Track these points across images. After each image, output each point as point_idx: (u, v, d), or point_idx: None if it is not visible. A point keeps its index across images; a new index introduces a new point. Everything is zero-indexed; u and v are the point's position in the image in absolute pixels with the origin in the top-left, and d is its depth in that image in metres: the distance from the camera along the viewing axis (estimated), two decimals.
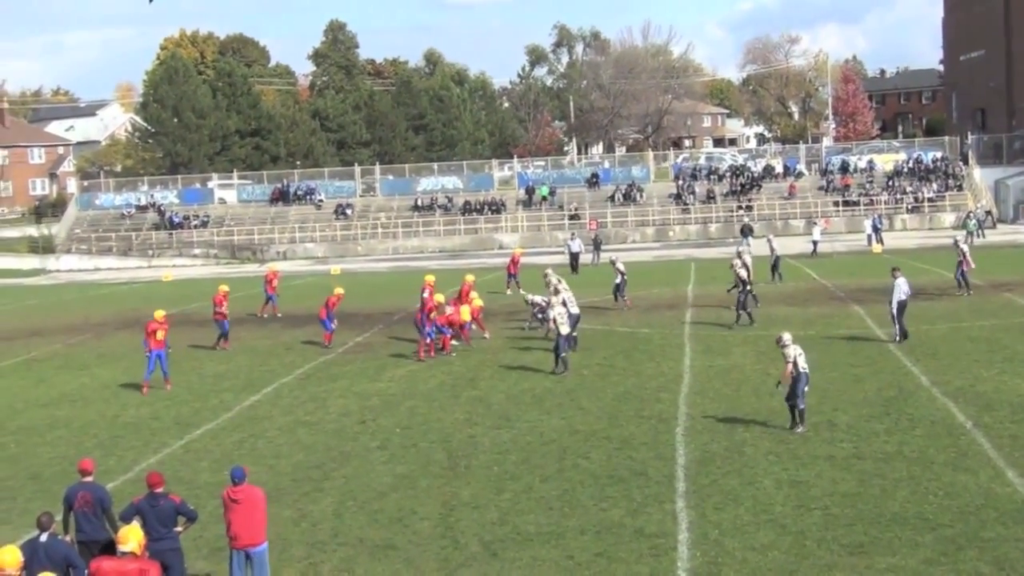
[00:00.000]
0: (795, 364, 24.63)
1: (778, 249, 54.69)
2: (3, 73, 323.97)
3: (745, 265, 42.16)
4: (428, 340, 36.78)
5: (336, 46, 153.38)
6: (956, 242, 47.92)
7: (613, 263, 47.18)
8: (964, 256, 46.24)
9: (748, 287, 41.56)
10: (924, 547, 17.55)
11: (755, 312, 41.37)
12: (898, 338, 35.35)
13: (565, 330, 32.91)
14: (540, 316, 40.02)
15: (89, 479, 17.29)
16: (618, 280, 46.14)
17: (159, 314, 34.50)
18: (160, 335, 33.92)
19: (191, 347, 41.90)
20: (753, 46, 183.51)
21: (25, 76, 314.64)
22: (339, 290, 40.85)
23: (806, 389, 24.97)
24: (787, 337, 25.32)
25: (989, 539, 17.77)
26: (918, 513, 19.06)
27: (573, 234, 71.59)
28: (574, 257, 64.97)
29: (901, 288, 35.46)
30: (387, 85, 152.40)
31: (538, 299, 40.23)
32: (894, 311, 35.59)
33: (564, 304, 34.62)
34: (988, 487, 20.30)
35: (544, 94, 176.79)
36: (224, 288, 41.71)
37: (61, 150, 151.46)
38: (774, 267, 53.57)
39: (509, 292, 53.40)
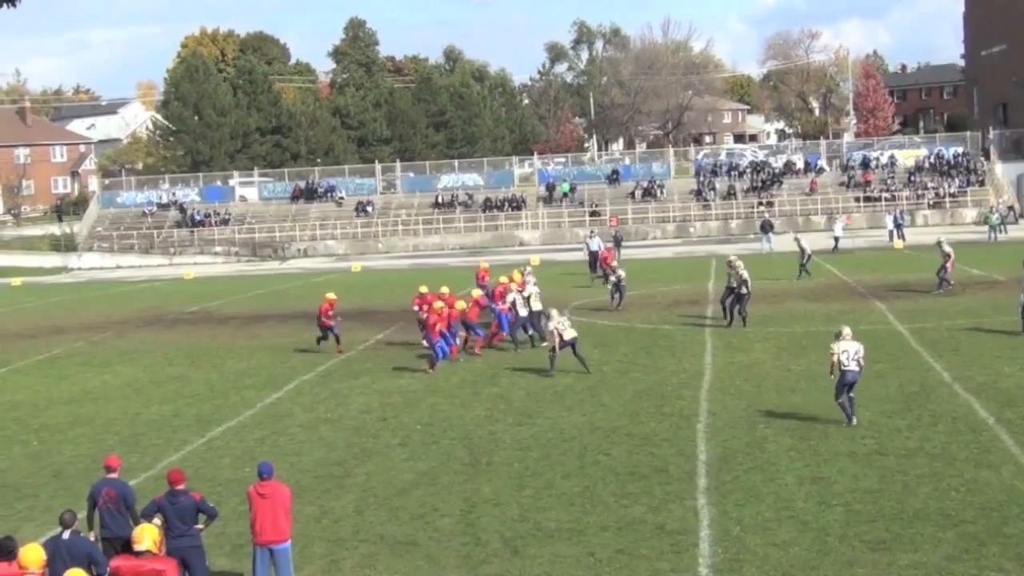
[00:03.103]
0: (839, 360, 24.36)
1: (808, 248, 54.18)
2: (26, 71, 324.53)
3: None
4: (479, 336, 36.72)
5: (356, 43, 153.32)
6: (940, 243, 47.50)
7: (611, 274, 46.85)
8: (949, 258, 45.97)
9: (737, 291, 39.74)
10: (946, 543, 17.49)
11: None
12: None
13: (570, 335, 32.35)
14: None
15: (114, 476, 17.34)
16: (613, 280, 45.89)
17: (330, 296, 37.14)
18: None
19: (209, 344, 41.96)
20: (774, 42, 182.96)
21: (48, 74, 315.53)
22: (330, 295, 39.14)
23: (846, 390, 24.55)
24: (846, 331, 24.94)
25: (1012, 535, 17.70)
26: (940, 509, 18.99)
27: (592, 232, 70.64)
28: (593, 256, 63.87)
29: None
30: (407, 82, 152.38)
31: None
32: None
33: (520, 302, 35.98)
34: (1011, 483, 20.22)
35: (564, 91, 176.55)
36: (331, 296, 38.73)
37: (83, 148, 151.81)
38: (803, 265, 53.29)
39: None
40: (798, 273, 52.76)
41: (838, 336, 24.78)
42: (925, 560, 16.87)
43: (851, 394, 24.65)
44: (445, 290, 37.79)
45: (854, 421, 24.53)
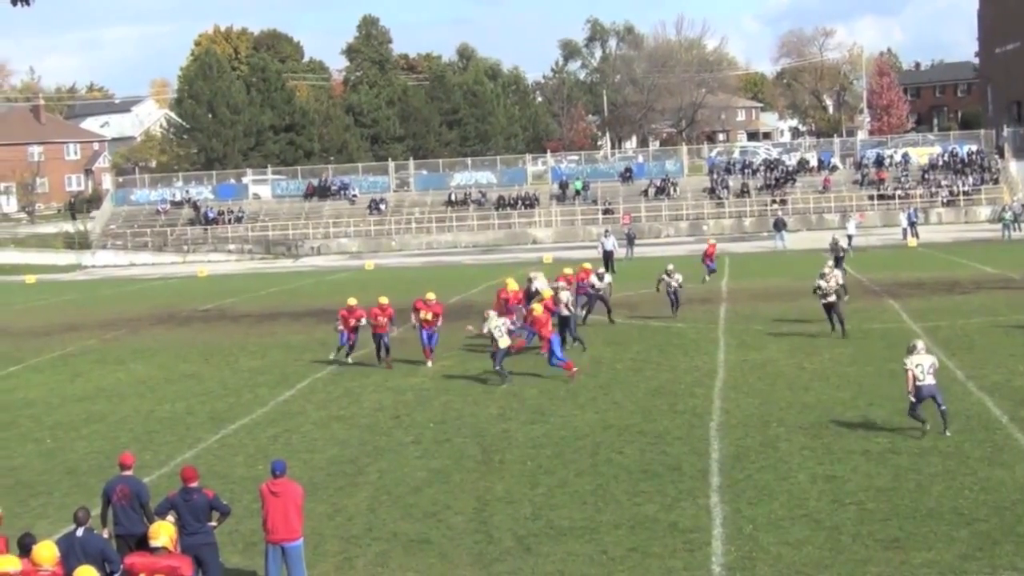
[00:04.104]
0: (913, 374, 23.52)
1: (841, 240, 52.72)
2: (40, 69, 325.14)
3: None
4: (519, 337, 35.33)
5: (369, 41, 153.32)
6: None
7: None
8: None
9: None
10: (960, 542, 17.46)
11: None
12: None
13: (505, 343, 31.28)
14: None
15: (128, 473, 17.37)
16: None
17: (383, 300, 35.44)
18: (382, 320, 34.93)
19: (222, 343, 42.02)
20: (787, 39, 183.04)
21: (62, 72, 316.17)
22: (352, 301, 36.29)
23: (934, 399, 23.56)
24: (919, 345, 24.02)
25: None
26: (954, 508, 18.95)
27: (607, 231, 70.54)
28: (608, 255, 63.67)
29: None
30: (420, 80, 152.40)
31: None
32: None
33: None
34: None
35: (577, 88, 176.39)
36: (383, 300, 35.56)
37: (96, 146, 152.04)
38: (839, 261, 51.28)
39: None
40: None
41: (911, 351, 23.82)
42: (939, 559, 16.84)
43: (942, 407, 23.52)
44: (432, 296, 35.66)
45: (947, 433, 23.43)
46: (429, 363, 34.92)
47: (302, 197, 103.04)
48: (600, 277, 41.72)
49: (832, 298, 35.46)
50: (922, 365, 23.42)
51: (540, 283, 37.87)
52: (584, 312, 40.75)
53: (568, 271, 40.99)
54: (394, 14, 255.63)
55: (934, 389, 23.44)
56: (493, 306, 36.13)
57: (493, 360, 31.63)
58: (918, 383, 23.29)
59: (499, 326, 31.43)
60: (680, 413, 26.85)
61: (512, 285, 38.28)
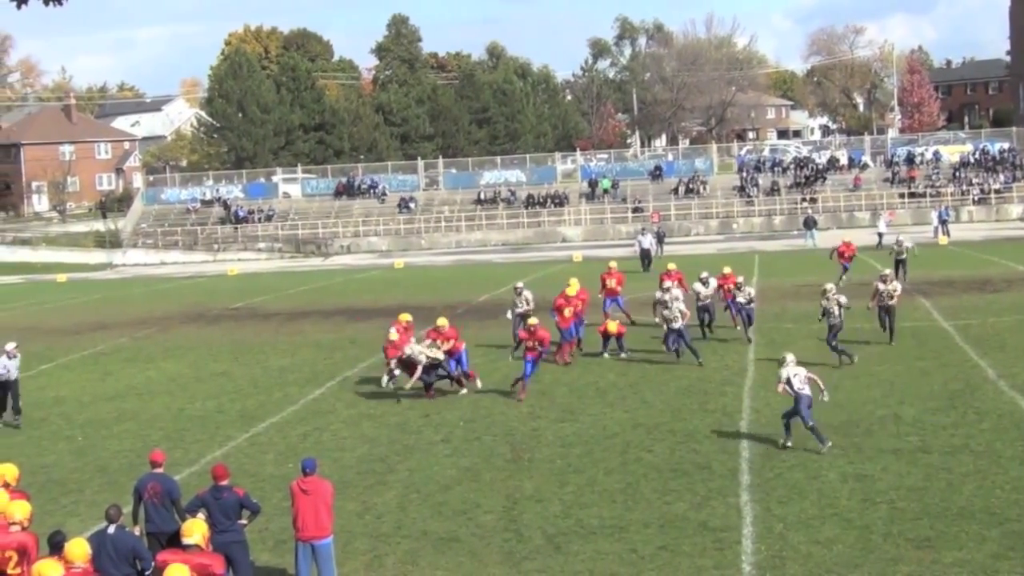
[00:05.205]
0: (789, 384, 23.41)
1: (905, 241, 50.46)
2: (72, 68, 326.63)
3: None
4: (572, 340, 34.74)
5: (399, 40, 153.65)
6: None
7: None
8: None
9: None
10: (991, 541, 17.39)
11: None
12: None
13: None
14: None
15: (159, 470, 17.44)
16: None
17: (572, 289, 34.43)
18: (568, 312, 34.08)
19: (253, 341, 42.11)
20: (818, 37, 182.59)
21: (93, 71, 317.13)
22: (442, 321, 31.99)
23: (808, 410, 23.25)
24: (789, 357, 23.90)
25: None
26: (985, 507, 18.88)
27: (643, 229, 69.95)
28: (645, 253, 63.25)
29: None
30: (450, 79, 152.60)
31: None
32: None
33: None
34: None
35: (607, 87, 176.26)
36: (533, 323, 30.90)
37: (127, 145, 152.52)
38: (900, 264, 48.92)
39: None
40: (903, 274, 49.57)
41: (783, 363, 23.74)
42: (970, 558, 16.78)
43: (809, 422, 23.16)
44: (401, 324, 31.68)
45: (789, 443, 23.39)
46: (469, 387, 30.59)
47: (332, 196, 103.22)
48: (704, 282, 37.01)
49: (893, 301, 34.34)
50: (799, 375, 23.30)
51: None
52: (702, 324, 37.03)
53: (672, 267, 39.77)
54: (424, 13, 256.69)
55: (809, 400, 23.32)
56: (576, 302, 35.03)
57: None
58: (798, 390, 23.10)
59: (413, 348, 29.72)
60: (710, 412, 26.82)
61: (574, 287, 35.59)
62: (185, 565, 13.89)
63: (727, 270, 38.24)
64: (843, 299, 31.82)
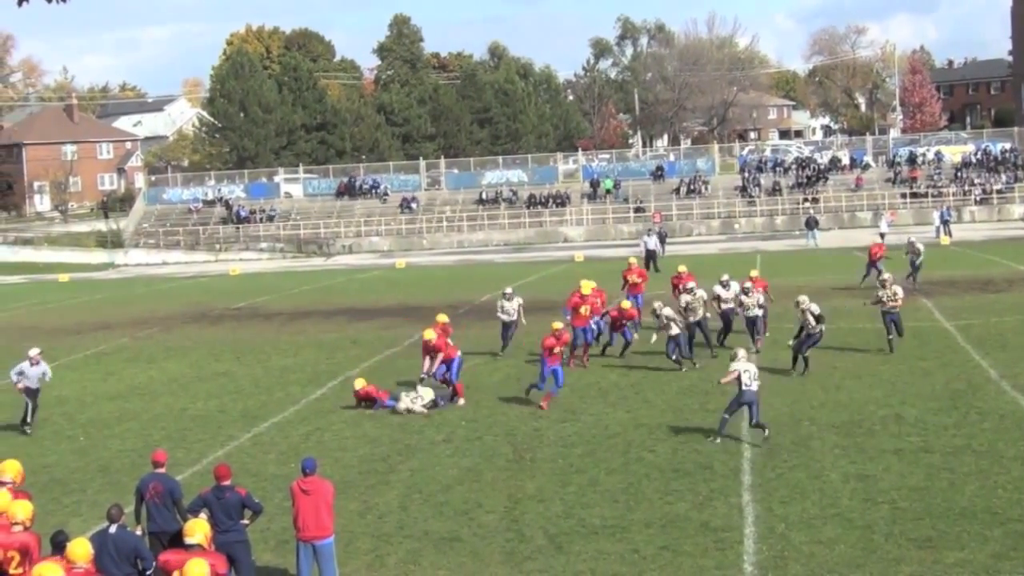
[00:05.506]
0: (738, 379, 23.58)
1: (917, 244, 49.71)
2: (74, 68, 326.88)
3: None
4: (587, 343, 34.16)
5: (401, 40, 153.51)
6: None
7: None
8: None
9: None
10: (993, 541, 17.39)
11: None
12: None
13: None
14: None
15: (161, 470, 17.45)
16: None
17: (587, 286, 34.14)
18: (584, 310, 33.70)
19: (254, 341, 42.10)
20: (820, 37, 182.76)
21: (95, 71, 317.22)
22: (441, 321, 31.63)
23: (751, 407, 23.61)
24: (741, 353, 24.22)
25: None
26: (987, 507, 18.88)
27: (649, 230, 69.85)
28: (650, 254, 63.13)
29: None
30: (452, 79, 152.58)
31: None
32: None
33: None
34: None
35: (608, 87, 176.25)
36: (557, 336, 29.14)
37: (129, 145, 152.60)
38: (916, 269, 48.72)
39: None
40: (910, 279, 48.39)
41: (735, 358, 23.95)
42: (972, 558, 16.78)
43: (755, 419, 23.67)
44: (439, 325, 31.27)
45: (717, 441, 23.78)
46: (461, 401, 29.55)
47: (333, 196, 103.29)
48: (725, 285, 35.65)
49: (896, 304, 33.54)
50: (749, 371, 23.42)
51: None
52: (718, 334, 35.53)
53: (755, 273, 37.48)
54: (426, 13, 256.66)
55: (755, 397, 23.57)
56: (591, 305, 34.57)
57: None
58: (744, 387, 23.22)
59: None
60: (711, 412, 26.76)
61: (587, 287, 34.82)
62: (204, 560, 13.93)
63: (682, 268, 39.23)
64: (815, 308, 30.81)
